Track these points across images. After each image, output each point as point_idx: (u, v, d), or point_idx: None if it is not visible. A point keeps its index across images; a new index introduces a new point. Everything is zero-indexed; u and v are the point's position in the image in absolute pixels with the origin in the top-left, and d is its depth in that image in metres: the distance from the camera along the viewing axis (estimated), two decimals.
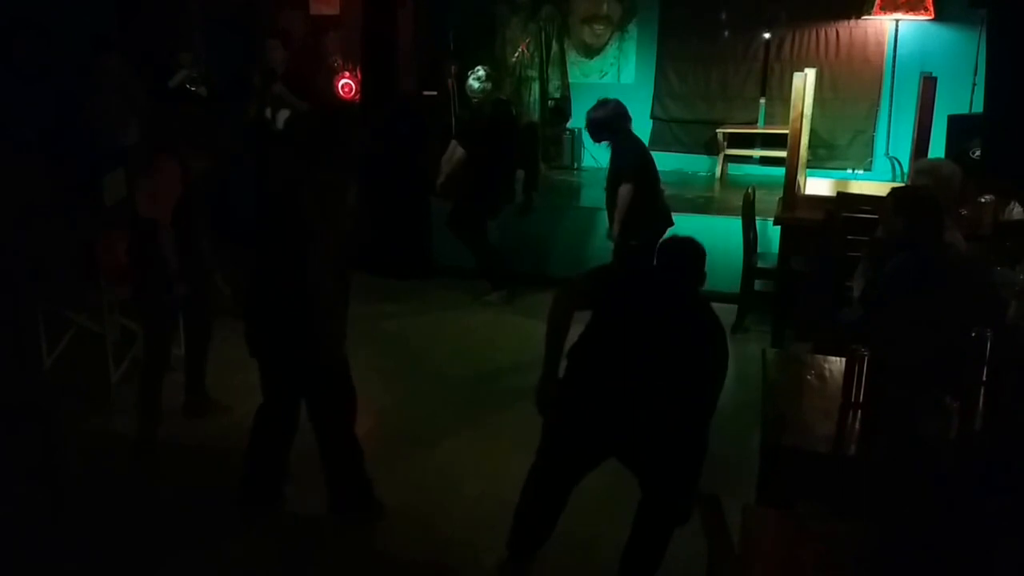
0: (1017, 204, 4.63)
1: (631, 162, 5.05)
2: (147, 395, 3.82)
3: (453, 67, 6.73)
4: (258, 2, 6.81)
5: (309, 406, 3.19)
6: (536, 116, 6.64)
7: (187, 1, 6.70)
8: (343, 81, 6.34)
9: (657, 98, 8.45)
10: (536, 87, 6.63)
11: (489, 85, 5.56)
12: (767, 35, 7.92)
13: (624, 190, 4.98)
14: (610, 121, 5.06)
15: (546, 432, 2.76)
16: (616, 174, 5.11)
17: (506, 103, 5.90)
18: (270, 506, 3.36)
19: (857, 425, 2.55)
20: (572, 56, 8.33)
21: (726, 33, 8.08)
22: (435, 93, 6.54)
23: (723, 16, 8.05)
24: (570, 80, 8.25)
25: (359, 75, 6.33)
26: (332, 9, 6.78)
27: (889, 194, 3.42)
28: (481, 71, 5.54)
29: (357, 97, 6.21)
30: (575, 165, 8.17)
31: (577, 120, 8.25)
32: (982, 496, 2.31)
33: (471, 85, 5.58)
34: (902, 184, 5.11)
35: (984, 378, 2.59)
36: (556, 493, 2.78)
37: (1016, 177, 4.85)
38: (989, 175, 5.02)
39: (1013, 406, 2.57)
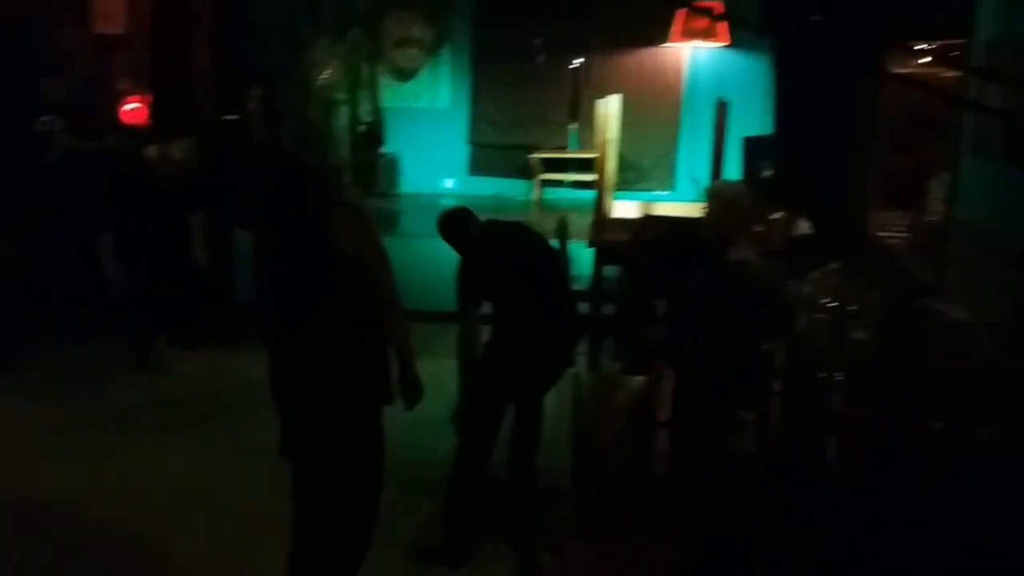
0: (804, 220, 5.00)
1: (464, 282, 3.58)
2: None
3: (256, 91, 6.49)
4: (35, 20, 6.28)
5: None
6: (344, 142, 6.52)
7: None
8: (131, 105, 5.93)
9: (474, 123, 8.56)
10: (345, 111, 6.51)
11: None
12: (575, 62, 8.21)
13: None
14: (442, 233, 3.92)
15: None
16: None
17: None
18: None
19: (665, 444, 2.62)
20: (385, 80, 8.29)
21: (537, 59, 8.32)
22: (236, 117, 6.28)
23: (533, 42, 8.27)
24: (384, 104, 8.20)
25: (149, 99, 5.96)
26: (117, 28, 6.35)
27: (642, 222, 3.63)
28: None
29: (147, 123, 5.84)
30: (392, 191, 8.10)
31: (392, 144, 8.21)
32: (780, 504, 2.42)
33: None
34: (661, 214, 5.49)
35: (777, 389, 2.74)
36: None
37: (802, 195, 5.24)
38: (779, 193, 5.40)
39: (805, 412, 2.72)
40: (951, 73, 4.65)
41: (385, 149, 8.07)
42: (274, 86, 6.76)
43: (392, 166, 8.12)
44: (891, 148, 5.42)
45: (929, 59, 4.71)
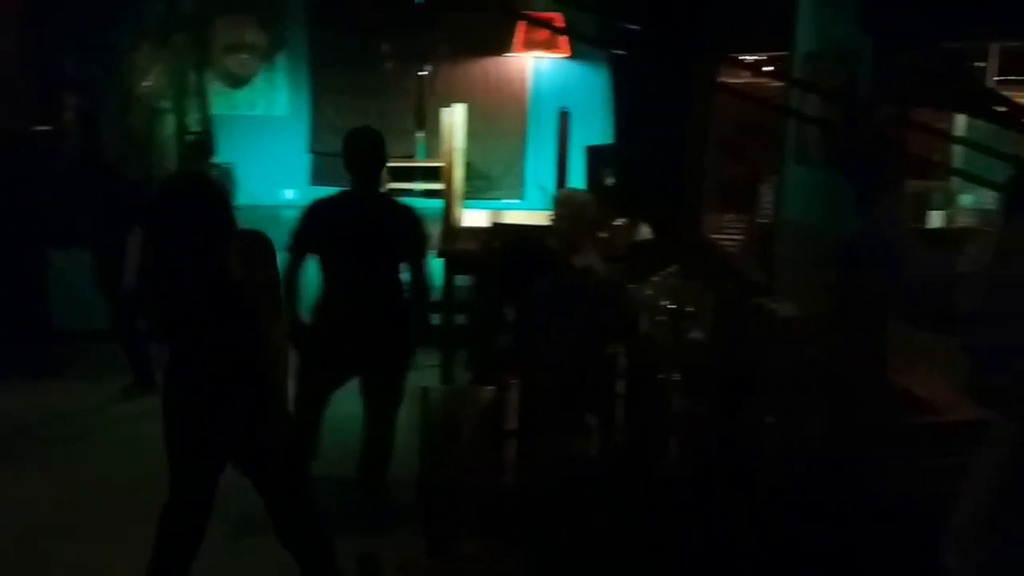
0: (645, 225, 5.22)
1: (305, 218, 3.99)
2: None
3: (72, 99, 6.09)
4: None
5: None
6: (171, 152, 6.22)
7: None
8: None
9: (315, 131, 8.40)
10: (171, 120, 6.21)
11: None
12: (420, 69, 8.21)
13: None
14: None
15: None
16: None
17: None
18: None
19: (513, 454, 2.63)
20: (216, 87, 7.99)
21: (380, 66, 8.25)
22: (50, 128, 5.89)
23: (375, 49, 8.20)
24: (216, 112, 7.89)
25: None
26: None
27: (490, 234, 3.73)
28: None
29: None
30: None
31: (226, 154, 7.90)
32: (628, 505, 2.49)
33: None
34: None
35: (621, 391, 2.82)
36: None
37: (643, 201, 5.47)
38: (621, 200, 5.61)
39: (649, 414, 2.80)
40: (777, 83, 4.99)
41: (217, 159, 7.76)
42: (93, 94, 6.36)
43: (226, 177, 7.79)
44: (725, 155, 5.74)
45: (757, 70, 5.03)
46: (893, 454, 2.50)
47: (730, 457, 2.50)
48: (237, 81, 8.11)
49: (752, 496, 2.40)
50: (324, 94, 8.32)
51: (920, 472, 2.33)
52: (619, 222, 5.34)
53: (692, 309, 3.45)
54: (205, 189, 2.98)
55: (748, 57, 5.17)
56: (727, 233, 5.77)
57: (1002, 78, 5.02)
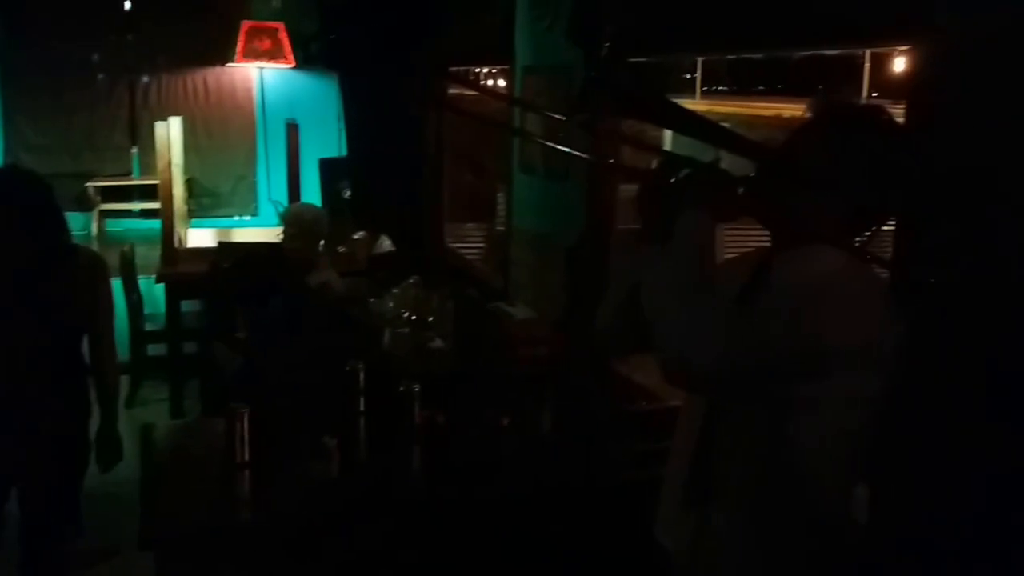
0: (385, 238, 5.22)
1: None
2: None
3: None
4: None
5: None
6: None
7: None
8: None
9: (8, 150, 7.59)
10: None
11: None
12: (133, 81, 7.70)
13: None
14: None
15: None
16: None
17: None
18: None
19: (247, 487, 2.50)
20: None
21: (86, 78, 7.63)
22: None
23: (80, 60, 7.57)
24: None
25: None
26: None
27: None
28: None
29: None
30: None
31: None
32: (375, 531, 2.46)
33: None
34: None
35: (362, 409, 2.79)
36: None
37: (381, 213, 5.47)
38: (360, 213, 5.57)
39: (388, 428, 2.78)
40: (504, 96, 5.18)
41: None
42: None
43: None
44: (466, 164, 5.90)
45: (484, 83, 5.21)
46: (616, 441, 2.68)
47: (469, 462, 2.55)
48: None
49: (494, 498, 2.46)
50: (19, 110, 7.55)
51: (639, 456, 2.51)
52: (358, 235, 5.31)
53: (432, 319, 3.49)
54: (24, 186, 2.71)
55: (477, 70, 5.35)
56: (468, 241, 5.93)
57: (706, 88, 5.57)
